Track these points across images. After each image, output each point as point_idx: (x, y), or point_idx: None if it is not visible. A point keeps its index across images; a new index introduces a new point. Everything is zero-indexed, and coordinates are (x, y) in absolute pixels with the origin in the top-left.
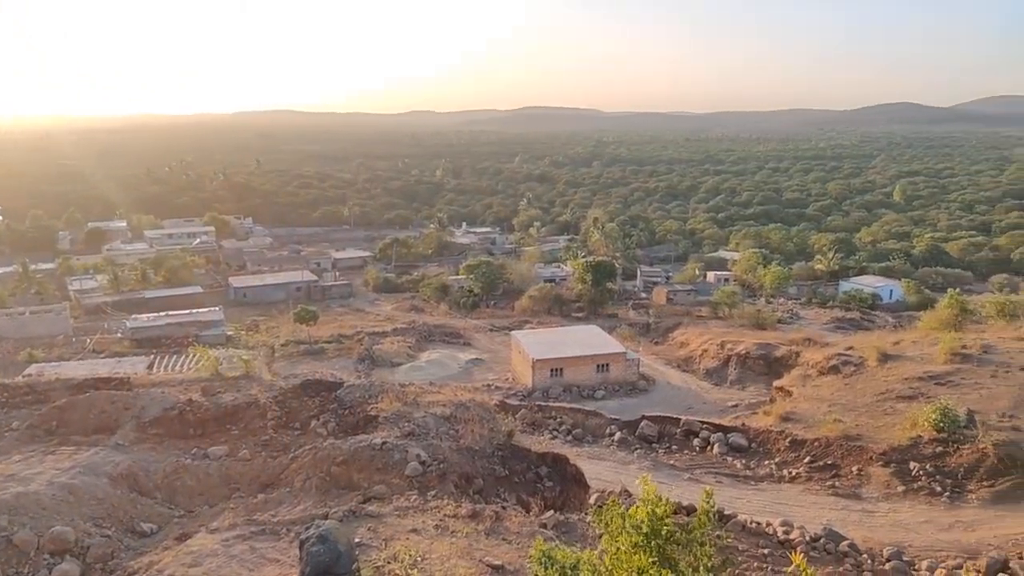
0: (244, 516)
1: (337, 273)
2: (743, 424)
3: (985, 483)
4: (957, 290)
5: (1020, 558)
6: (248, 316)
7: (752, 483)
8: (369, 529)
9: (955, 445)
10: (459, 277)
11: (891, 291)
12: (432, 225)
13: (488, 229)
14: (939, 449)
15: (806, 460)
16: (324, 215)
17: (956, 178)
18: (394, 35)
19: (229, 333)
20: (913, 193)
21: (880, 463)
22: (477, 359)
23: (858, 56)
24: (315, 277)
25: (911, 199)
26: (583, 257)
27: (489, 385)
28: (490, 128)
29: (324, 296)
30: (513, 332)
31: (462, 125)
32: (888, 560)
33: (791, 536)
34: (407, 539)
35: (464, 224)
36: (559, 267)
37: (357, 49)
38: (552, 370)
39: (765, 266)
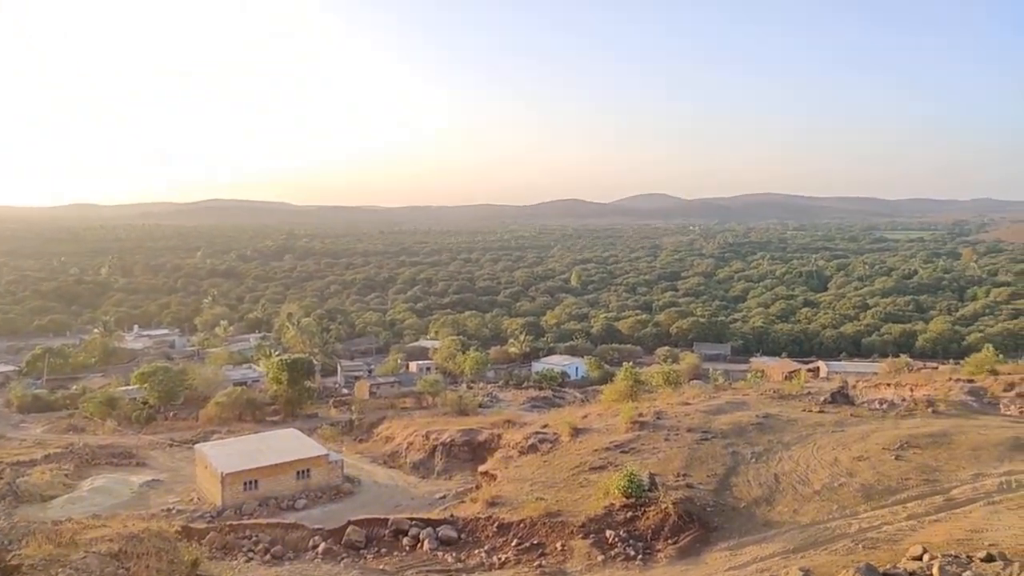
0: None
1: None
2: (451, 515)
3: (670, 541)
4: (630, 363)
5: None
6: None
7: (464, 575)
8: None
9: (642, 508)
10: (131, 388)
11: (577, 368)
12: (96, 330)
13: (165, 331)
14: (629, 514)
15: (514, 543)
16: None
17: (620, 264)
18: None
19: None
20: (587, 278)
21: (580, 535)
22: (154, 480)
23: (534, 157)
24: None
25: (586, 284)
26: (277, 355)
27: (170, 510)
28: (167, 223)
29: None
30: (198, 445)
31: (133, 219)
32: None
33: None
34: None
35: (136, 327)
36: (251, 368)
37: None
38: (246, 483)
39: (464, 352)
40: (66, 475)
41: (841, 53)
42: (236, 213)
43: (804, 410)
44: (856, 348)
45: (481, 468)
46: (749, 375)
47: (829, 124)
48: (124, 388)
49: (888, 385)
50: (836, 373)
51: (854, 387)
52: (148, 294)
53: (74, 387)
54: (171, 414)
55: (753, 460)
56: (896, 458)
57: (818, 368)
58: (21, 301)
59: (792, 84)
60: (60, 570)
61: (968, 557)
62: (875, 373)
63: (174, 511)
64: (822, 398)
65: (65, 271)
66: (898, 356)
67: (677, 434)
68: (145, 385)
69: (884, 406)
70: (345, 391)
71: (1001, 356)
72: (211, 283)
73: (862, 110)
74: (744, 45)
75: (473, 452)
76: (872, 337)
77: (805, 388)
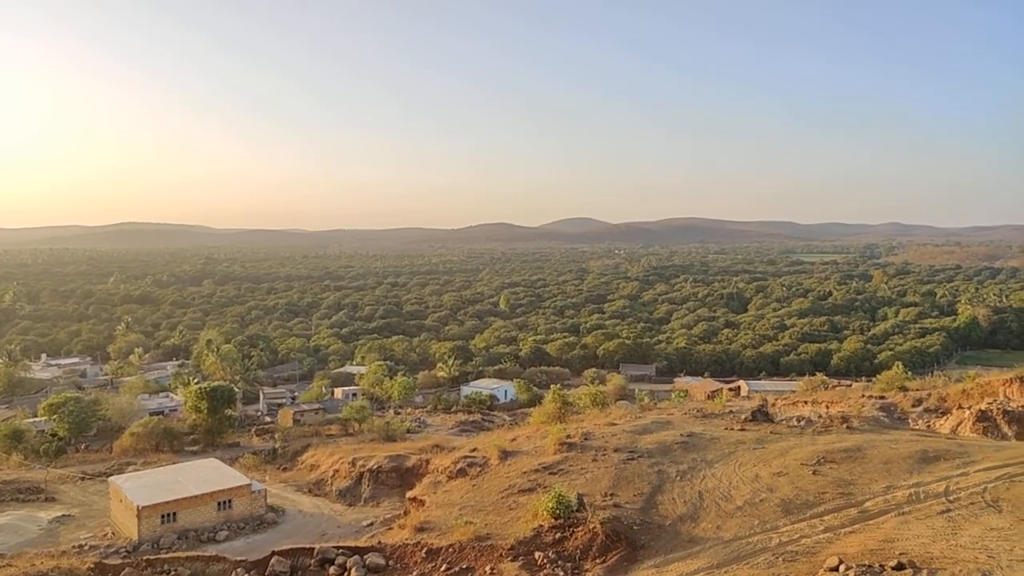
0: None
1: None
2: (379, 542)
3: (598, 560)
4: (559, 386)
5: None
6: None
7: None
8: None
9: (571, 529)
10: (38, 419)
11: (506, 391)
12: (0, 359)
13: (76, 360)
14: (558, 535)
15: (443, 568)
16: None
17: (548, 287)
18: None
19: None
20: (516, 302)
21: (510, 558)
22: (65, 516)
23: (462, 181)
24: None
25: (514, 307)
26: (196, 383)
27: (82, 546)
28: (76, 246)
29: None
30: (112, 478)
31: (40, 243)
32: None
33: None
34: None
35: (44, 356)
36: (168, 396)
37: None
38: (163, 516)
39: (391, 377)
40: None
41: (757, 81)
42: (151, 237)
43: (726, 428)
44: (775, 367)
45: (409, 494)
46: (673, 395)
47: (747, 149)
48: (31, 420)
49: (805, 403)
50: (756, 392)
51: (773, 405)
52: (57, 321)
53: None
54: (83, 446)
55: (678, 478)
56: (814, 473)
57: (739, 387)
58: None
59: (713, 111)
60: None
61: (880, 566)
62: (793, 391)
63: (87, 547)
64: (743, 416)
65: None
66: (815, 374)
67: (604, 454)
68: (54, 416)
69: (802, 423)
70: (268, 419)
71: (910, 373)
72: (125, 309)
73: (777, 137)
74: (665, 71)
75: (401, 478)
76: (790, 356)
77: (727, 407)
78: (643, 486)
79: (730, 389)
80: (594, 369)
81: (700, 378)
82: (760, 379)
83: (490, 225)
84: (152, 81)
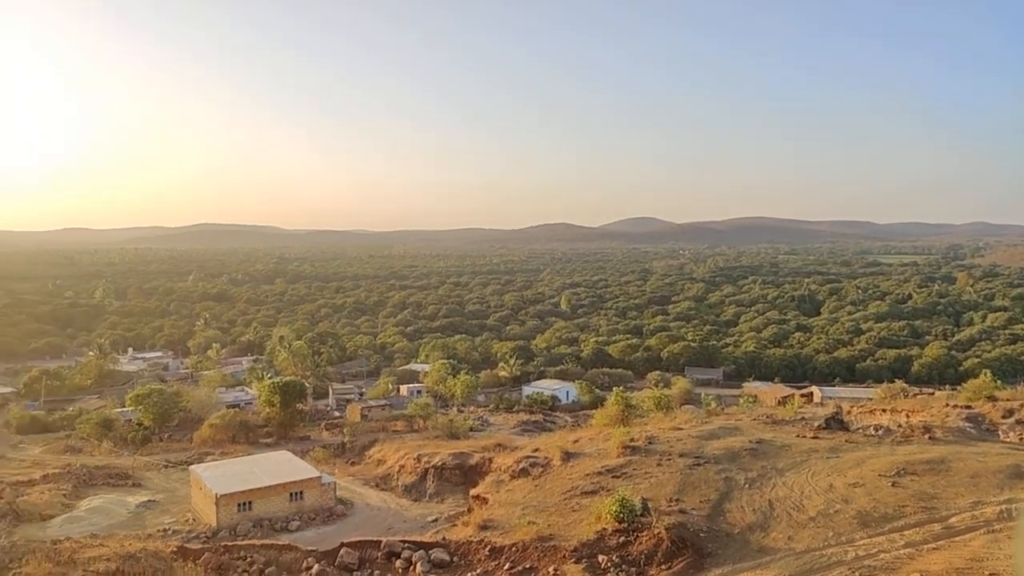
0: None
1: None
2: (444, 538)
3: (663, 566)
4: (621, 388)
5: None
6: None
7: None
8: None
9: (635, 533)
10: (126, 409)
11: (567, 392)
12: (92, 352)
13: (159, 354)
14: (622, 539)
15: (506, 567)
16: None
17: (610, 288)
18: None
19: None
20: (577, 302)
21: (573, 560)
22: (150, 501)
23: (521, 181)
24: None
25: (575, 307)
26: (270, 378)
27: (166, 530)
28: (158, 246)
29: None
30: (192, 467)
31: (125, 243)
32: None
33: None
34: None
35: (131, 349)
36: (244, 390)
37: None
38: (239, 504)
39: (454, 376)
40: (64, 495)
41: (834, 75)
42: (227, 237)
43: (798, 436)
44: (850, 373)
45: (473, 491)
46: (742, 400)
47: (821, 147)
48: (119, 410)
49: (884, 411)
50: (830, 399)
51: (849, 413)
52: (141, 317)
53: (71, 408)
54: (166, 435)
55: (747, 486)
56: (893, 485)
57: (812, 393)
58: (17, 324)
59: (785, 107)
60: None
61: None
62: (870, 399)
63: (170, 531)
64: (816, 424)
65: (60, 294)
66: (893, 381)
67: (669, 459)
68: (140, 407)
69: (880, 432)
70: (337, 414)
71: (999, 382)
72: (203, 306)
73: (854, 133)
74: (736, 68)
75: (465, 475)
76: (866, 362)
77: (799, 414)
78: (710, 493)
79: (802, 395)
80: (658, 372)
81: (770, 383)
82: (834, 385)
83: (550, 225)
84: (228, 87)
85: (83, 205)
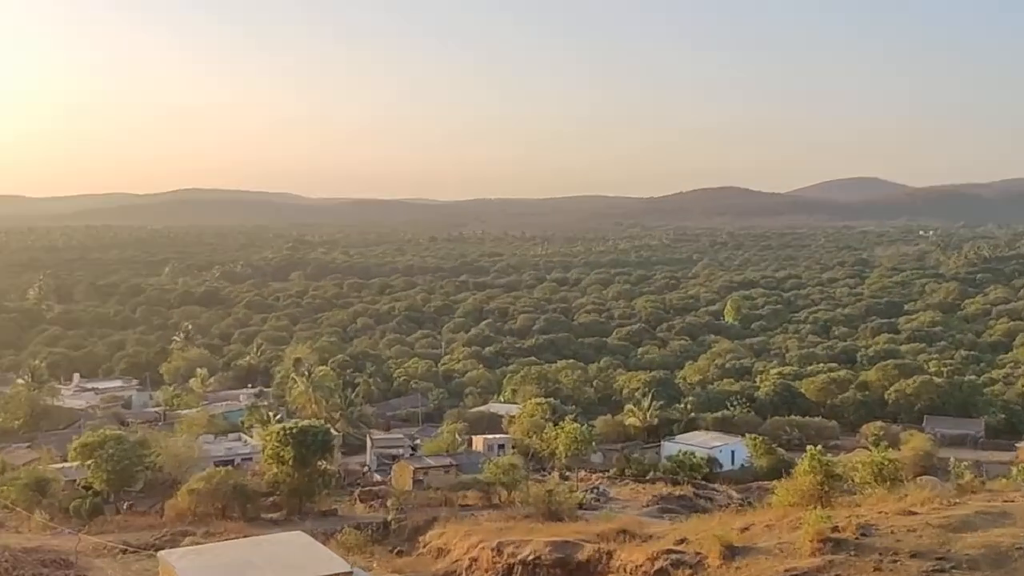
0: None
1: None
2: None
3: None
4: (819, 447)
5: None
6: None
7: None
8: None
9: None
10: (68, 465)
11: (733, 452)
12: (21, 380)
13: (119, 383)
14: None
15: None
16: None
17: (804, 290)
18: None
19: None
20: (750, 312)
21: None
22: None
23: (667, 123)
24: None
25: (748, 320)
26: (279, 421)
27: None
28: (120, 222)
29: None
30: (162, 553)
31: (72, 218)
32: None
33: None
34: None
35: (77, 376)
36: (241, 439)
37: None
38: None
39: (556, 423)
40: None
41: None
42: (219, 209)
43: None
44: None
45: None
46: (1015, 470)
47: None
48: (59, 466)
49: None
50: None
51: None
52: (94, 328)
53: None
54: (125, 505)
55: None
56: None
57: None
58: None
59: None
60: None
61: None
62: None
63: None
64: None
65: None
66: None
67: (896, 561)
68: (89, 462)
69: None
70: (378, 477)
71: None
72: (184, 313)
73: None
74: None
75: (570, 575)
76: None
77: None
78: None
79: None
80: (880, 423)
81: None
82: None
83: (711, 191)
84: None
85: (11, 164)
